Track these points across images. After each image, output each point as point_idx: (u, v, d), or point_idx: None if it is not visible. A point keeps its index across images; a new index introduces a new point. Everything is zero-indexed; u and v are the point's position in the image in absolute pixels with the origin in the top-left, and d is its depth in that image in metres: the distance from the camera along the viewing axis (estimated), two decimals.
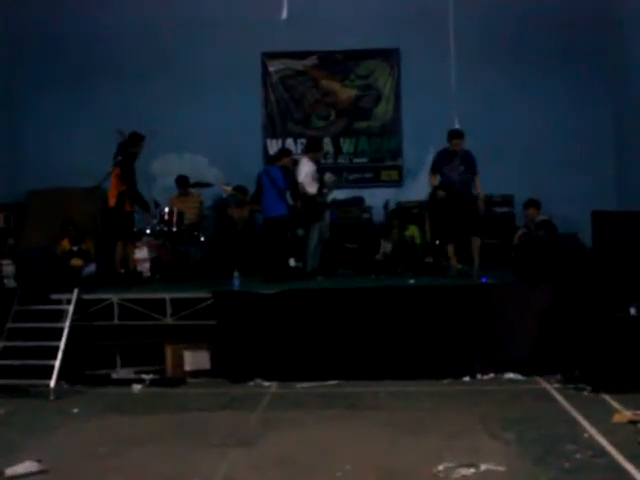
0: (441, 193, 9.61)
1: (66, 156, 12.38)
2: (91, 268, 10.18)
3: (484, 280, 8.91)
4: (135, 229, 10.18)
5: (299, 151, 13.04)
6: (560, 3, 12.27)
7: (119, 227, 9.74)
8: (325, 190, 10.73)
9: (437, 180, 9.79)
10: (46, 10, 12.77)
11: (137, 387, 8.21)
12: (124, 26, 12.76)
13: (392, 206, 11.94)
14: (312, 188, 10.45)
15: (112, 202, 9.67)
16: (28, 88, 12.90)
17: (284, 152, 11.11)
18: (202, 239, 11.28)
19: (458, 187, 9.64)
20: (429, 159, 10.90)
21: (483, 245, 9.71)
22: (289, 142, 13.16)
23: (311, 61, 13.19)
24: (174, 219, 10.93)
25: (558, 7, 12.26)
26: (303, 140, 13.14)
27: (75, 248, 10.72)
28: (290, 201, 10.39)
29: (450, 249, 9.83)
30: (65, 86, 12.77)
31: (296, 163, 10.78)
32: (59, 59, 12.83)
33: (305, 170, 10.43)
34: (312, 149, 10.96)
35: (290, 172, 10.48)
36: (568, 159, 12.01)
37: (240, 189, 11.71)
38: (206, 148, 12.64)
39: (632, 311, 7.44)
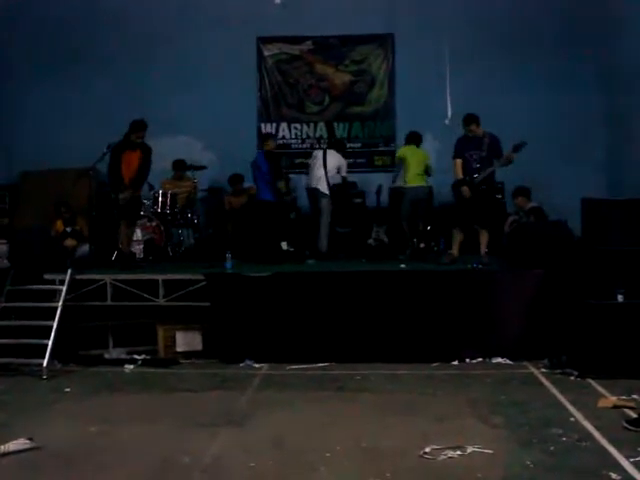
0: (467, 192, 9.03)
1: (60, 137, 12.32)
2: (84, 249, 10.16)
3: (474, 265, 8.91)
4: None
5: (292, 135, 13.08)
6: None
7: (130, 209, 9.69)
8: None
9: (461, 169, 9.14)
10: None
11: (129, 367, 8.23)
12: (120, 9, 12.68)
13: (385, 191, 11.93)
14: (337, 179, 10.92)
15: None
16: (23, 70, 12.82)
17: (266, 136, 11.23)
18: (195, 222, 11.31)
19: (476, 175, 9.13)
20: (422, 145, 10.93)
21: (473, 231, 9.62)
22: (283, 126, 13.17)
23: (306, 46, 13.17)
24: (168, 201, 10.95)
25: None
26: (297, 125, 13.15)
27: (69, 229, 10.71)
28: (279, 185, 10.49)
29: (456, 236, 9.42)
30: (60, 68, 12.69)
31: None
32: (53, 42, 12.75)
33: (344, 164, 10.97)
34: (341, 148, 11.35)
35: (274, 157, 10.52)
36: (558, 147, 12.01)
37: (237, 177, 11.73)
38: (200, 131, 12.62)
39: (619, 298, 7.47)
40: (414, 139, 10.78)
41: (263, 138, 11.14)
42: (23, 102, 12.76)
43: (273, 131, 13.02)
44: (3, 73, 12.68)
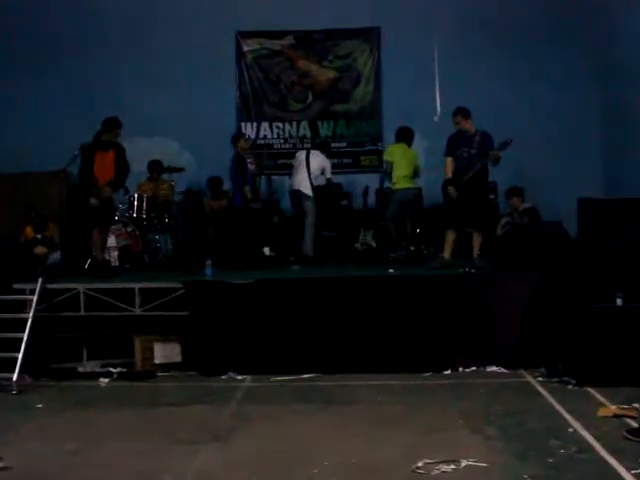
0: (453, 192, 9.09)
1: (30, 138, 12.27)
2: (56, 256, 10.11)
3: (466, 269, 8.93)
4: None
5: (274, 135, 13.08)
6: None
7: (103, 214, 9.66)
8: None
9: (451, 168, 9.17)
10: None
11: (105, 381, 8.18)
12: (92, 5, 12.64)
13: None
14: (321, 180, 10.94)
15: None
16: None
17: (236, 137, 11.07)
18: (173, 226, 11.27)
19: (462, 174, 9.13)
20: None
21: (465, 233, 9.61)
22: (264, 126, 13.17)
23: (287, 41, 13.16)
24: (144, 206, 10.91)
25: None
26: (279, 124, 13.15)
27: (39, 236, 10.65)
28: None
29: (448, 238, 9.40)
30: (30, 67, 12.63)
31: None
32: (25, 40, 12.65)
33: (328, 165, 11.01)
34: (325, 149, 11.45)
35: (242, 160, 10.53)
36: (553, 145, 12.09)
37: (215, 180, 11.71)
38: (177, 131, 12.61)
39: (618, 302, 7.50)
40: (405, 136, 10.78)
41: (233, 140, 10.91)
42: None
43: (254, 130, 13.04)
44: None
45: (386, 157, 10.94)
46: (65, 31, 12.63)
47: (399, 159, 10.59)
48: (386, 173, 10.84)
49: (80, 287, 8.60)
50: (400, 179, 10.57)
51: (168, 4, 12.67)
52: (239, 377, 8.14)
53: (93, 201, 9.29)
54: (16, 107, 12.60)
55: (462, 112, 9.22)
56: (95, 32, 12.61)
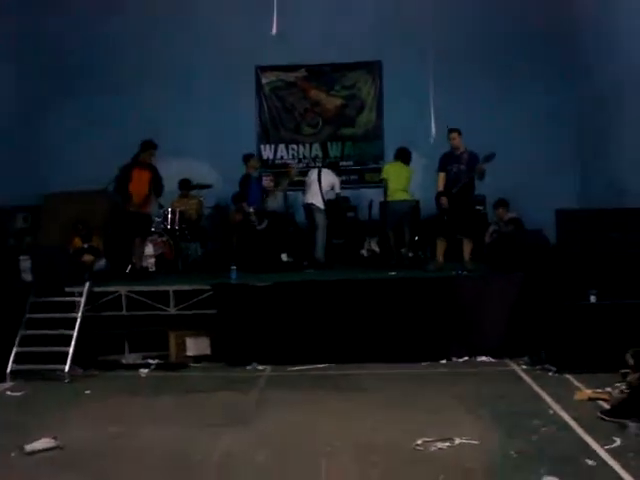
0: (445, 202, 9.16)
1: (78, 161, 12.34)
2: (101, 263, 10.19)
3: (459, 272, 8.96)
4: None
5: (290, 156, 13.18)
6: (529, 13, 12.35)
7: (141, 227, 9.81)
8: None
9: (443, 182, 9.28)
10: (46, 21, 12.63)
11: (144, 371, 8.26)
12: (129, 36, 12.70)
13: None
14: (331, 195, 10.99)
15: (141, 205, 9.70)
16: (40, 98, 12.79)
17: (246, 158, 11.06)
18: (203, 236, 11.34)
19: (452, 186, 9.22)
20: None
21: (457, 242, 9.64)
22: (281, 147, 13.27)
23: (300, 73, 13.27)
24: (176, 218, 11.01)
25: (526, 16, 12.33)
26: (294, 146, 13.25)
27: (86, 245, 10.70)
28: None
29: (440, 245, 9.47)
30: (71, 95, 12.63)
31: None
32: (61, 66, 12.72)
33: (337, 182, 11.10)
34: (334, 168, 11.62)
35: (248, 178, 10.69)
36: (535, 162, 12.07)
37: (239, 195, 11.78)
38: (205, 153, 12.67)
39: (592, 299, 7.57)
40: (401, 155, 10.77)
41: (244, 159, 10.96)
42: (43, 131, 12.76)
43: (272, 152, 13.15)
44: (26, 102, 12.60)
45: (382, 175, 10.93)
46: (105, 63, 12.70)
47: (394, 176, 10.60)
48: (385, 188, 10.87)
49: (122, 290, 8.69)
50: (395, 192, 10.54)
51: (198, 42, 12.70)
52: (261, 367, 8.20)
53: (132, 208, 9.46)
54: (66, 135, 12.66)
55: (458, 130, 9.39)
56: (133, 64, 12.66)
